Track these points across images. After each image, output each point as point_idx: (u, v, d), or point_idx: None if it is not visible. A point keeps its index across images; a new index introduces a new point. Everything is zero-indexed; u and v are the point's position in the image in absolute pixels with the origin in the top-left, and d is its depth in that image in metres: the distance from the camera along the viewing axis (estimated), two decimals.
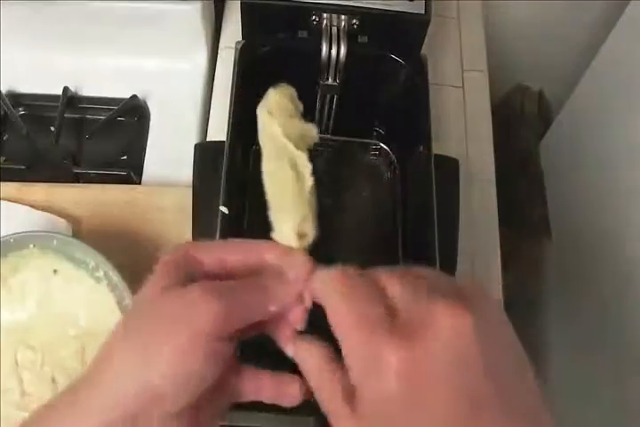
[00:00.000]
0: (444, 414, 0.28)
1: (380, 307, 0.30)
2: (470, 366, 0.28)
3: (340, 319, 0.31)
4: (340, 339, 0.31)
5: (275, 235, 0.38)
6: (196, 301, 0.33)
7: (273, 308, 0.35)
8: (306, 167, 0.39)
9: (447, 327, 0.28)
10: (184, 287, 0.34)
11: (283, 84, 0.43)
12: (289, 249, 0.37)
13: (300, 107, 0.43)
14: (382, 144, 0.67)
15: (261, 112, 0.41)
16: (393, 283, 0.32)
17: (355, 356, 0.30)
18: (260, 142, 0.41)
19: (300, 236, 0.37)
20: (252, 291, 0.35)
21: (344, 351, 0.31)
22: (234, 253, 0.37)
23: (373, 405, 0.30)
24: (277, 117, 0.40)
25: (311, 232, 0.38)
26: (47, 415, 0.33)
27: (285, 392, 0.37)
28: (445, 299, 0.29)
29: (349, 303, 0.31)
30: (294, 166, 0.39)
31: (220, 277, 0.36)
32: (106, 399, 0.32)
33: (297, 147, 0.40)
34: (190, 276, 0.35)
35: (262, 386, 0.37)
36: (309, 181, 0.39)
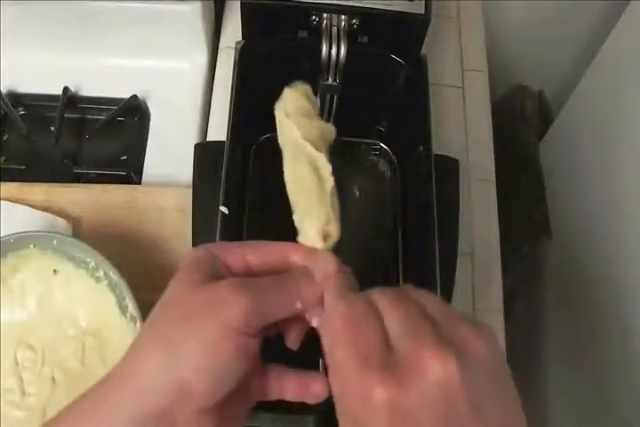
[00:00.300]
0: None
1: (378, 345, 0.30)
2: (455, 410, 0.28)
3: (340, 356, 0.31)
4: (330, 367, 0.32)
5: (300, 238, 0.38)
6: (226, 296, 0.33)
7: (299, 305, 0.35)
8: (326, 168, 0.39)
9: (435, 374, 0.28)
10: (213, 283, 0.34)
11: (298, 82, 0.43)
12: (313, 250, 0.37)
13: (318, 103, 0.43)
14: (382, 144, 0.67)
15: (279, 114, 0.42)
16: (390, 312, 0.32)
17: (344, 388, 0.31)
18: (280, 144, 0.41)
19: (325, 237, 0.38)
20: (280, 288, 0.35)
21: (332, 379, 0.32)
22: (258, 254, 0.37)
23: None
24: (294, 118, 0.41)
25: (335, 233, 0.38)
26: (75, 413, 0.33)
27: (310, 390, 0.37)
28: (436, 344, 0.29)
29: (352, 345, 0.31)
30: (314, 168, 0.40)
31: (245, 277, 0.36)
32: (136, 395, 0.32)
33: (316, 148, 0.40)
34: (217, 275, 0.35)
35: (287, 385, 0.37)
36: (330, 181, 0.39)
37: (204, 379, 0.32)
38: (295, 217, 0.39)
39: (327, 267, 0.36)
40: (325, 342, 0.33)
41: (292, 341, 0.38)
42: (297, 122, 0.40)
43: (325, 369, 0.54)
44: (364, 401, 0.29)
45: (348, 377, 0.30)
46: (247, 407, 0.37)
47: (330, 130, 0.42)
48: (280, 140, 0.42)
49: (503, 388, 0.31)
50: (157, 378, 0.32)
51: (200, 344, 0.32)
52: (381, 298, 0.33)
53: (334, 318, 0.33)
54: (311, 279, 0.36)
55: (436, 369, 0.28)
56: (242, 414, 0.37)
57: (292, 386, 0.37)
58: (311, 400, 0.37)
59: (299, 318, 0.37)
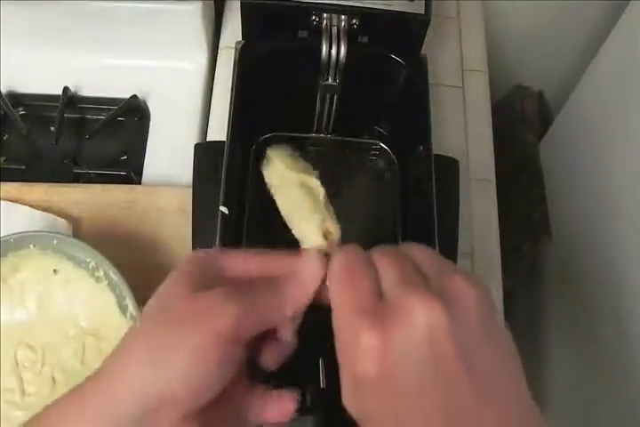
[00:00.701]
0: (416, 394, 0.30)
1: (370, 293, 0.32)
2: (441, 355, 0.29)
3: (336, 303, 0.34)
4: (333, 319, 0.34)
5: (303, 245, 0.39)
6: (217, 304, 0.33)
7: (290, 312, 0.35)
8: (314, 182, 0.41)
9: (420, 319, 0.30)
10: (207, 290, 0.34)
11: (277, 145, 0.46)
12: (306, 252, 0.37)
13: (297, 153, 0.45)
14: (382, 144, 0.67)
15: (264, 166, 0.44)
16: (385, 267, 0.33)
17: (340, 336, 0.33)
18: (272, 193, 0.42)
19: (325, 236, 0.38)
20: (270, 294, 0.35)
21: (335, 331, 0.33)
22: (253, 261, 0.37)
23: (350, 381, 0.32)
24: (278, 160, 0.43)
25: (334, 230, 0.39)
26: (52, 416, 0.33)
27: (283, 407, 0.37)
28: (423, 291, 0.31)
29: (347, 291, 0.33)
30: (303, 186, 0.41)
31: (239, 282, 0.36)
32: (117, 399, 0.32)
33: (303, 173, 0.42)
34: (211, 279, 0.35)
35: (268, 405, 0.37)
36: (321, 189, 0.41)
37: (188, 385, 0.32)
38: (294, 231, 0.40)
39: (313, 267, 0.36)
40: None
41: (271, 361, 0.38)
42: (282, 160, 0.43)
43: (325, 370, 0.54)
44: (354, 347, 0.31)
45: (342, 324, 0.33)
46: (233, 419, 0.37)
47: (314, 173, 0.43)
48: (269, 186, 0.43)
49: (493, 338, 0.31)
50: (142, 383, 0.32)
51: (187, 352, 0.32)
52: (379, 256, 0.34)
53: (334, 267, 0.34)
54: (299, 282, 0.36)
55: (421, 314, 0.30)
56: (226, 423, 0.37)
57: (272, 405, 0.38)
58: (281, 418, 0.37)
59: (280, 341, 0.38)
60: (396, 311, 0.30)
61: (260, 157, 0.64)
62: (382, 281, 0.33)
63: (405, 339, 0.30)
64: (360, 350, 0.31)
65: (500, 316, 0.63)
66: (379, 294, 0.32)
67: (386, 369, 0.30)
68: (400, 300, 0.31)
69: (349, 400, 0.33)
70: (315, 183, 0.41)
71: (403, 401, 0.30)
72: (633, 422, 0.70)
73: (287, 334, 0.38)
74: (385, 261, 0.34)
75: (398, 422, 0.30)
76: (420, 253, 0.35)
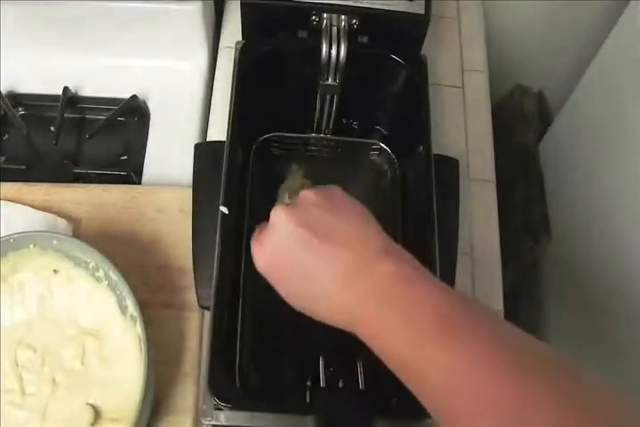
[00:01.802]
0: (294, 263, 0.42)
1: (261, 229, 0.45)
2: (297, 234, 0.42)
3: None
4: None
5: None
6: None
7: None
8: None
9: (274, 222, 0.43)
10: None
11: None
12: None
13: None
14: (382, 144, 0.67)
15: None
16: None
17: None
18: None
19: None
20: None
21: None
22: None
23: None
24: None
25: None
26: None
27: None
28: (278, 207, 0.43)
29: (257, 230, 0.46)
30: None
31: None
32: None
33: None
34: None
35: None
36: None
37: None
38: None
39: None
40: None
41: None
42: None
43: (325, 368, 0.54)
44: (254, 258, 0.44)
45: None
46: None
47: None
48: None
49: (337, 211, 0.43)
50: None
51: None
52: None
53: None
54: None
55: (274, 217, 0.43)
56: None
57: None
58: None
59: None
60: (268, 227, 0.44)
61: (259, 158, 0.65)
62: None
63: (270, 236, 0.43)
64: (255, 258, 0.44)
65: (500, 314, 0.63)
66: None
67: (268, 258, 0.44)
68: (269, 220, 0.44)
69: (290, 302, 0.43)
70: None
71: (288, 272, 0.42)
72: None
73: None
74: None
75: (300, 287, 0.42)
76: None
